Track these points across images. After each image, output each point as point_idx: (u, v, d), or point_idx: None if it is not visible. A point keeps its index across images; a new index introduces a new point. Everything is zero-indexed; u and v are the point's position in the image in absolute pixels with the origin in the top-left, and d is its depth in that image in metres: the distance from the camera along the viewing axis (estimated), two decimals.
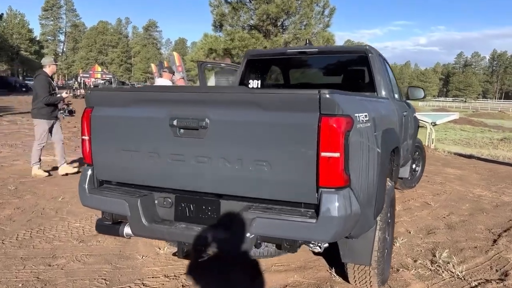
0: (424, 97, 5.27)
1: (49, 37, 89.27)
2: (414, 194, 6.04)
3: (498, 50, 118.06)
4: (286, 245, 2.34)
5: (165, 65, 19.19)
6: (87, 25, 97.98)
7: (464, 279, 3.32)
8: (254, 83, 4.48)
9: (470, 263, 3.65)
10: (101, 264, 3.45)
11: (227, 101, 2.37)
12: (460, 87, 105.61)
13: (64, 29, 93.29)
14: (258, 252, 2.61)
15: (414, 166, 6.32)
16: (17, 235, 4.03)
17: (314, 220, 2.20)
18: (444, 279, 3.32)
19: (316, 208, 2.23)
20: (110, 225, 2.82)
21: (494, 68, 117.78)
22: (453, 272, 3.41)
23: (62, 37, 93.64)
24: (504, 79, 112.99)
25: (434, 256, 3.75)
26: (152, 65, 41.33)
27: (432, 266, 3.55)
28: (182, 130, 2.44)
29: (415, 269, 3.47)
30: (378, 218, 2.77)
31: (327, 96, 2.14)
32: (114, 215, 2.77)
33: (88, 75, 40.15)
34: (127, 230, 2.72)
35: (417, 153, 6.32)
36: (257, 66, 4.53)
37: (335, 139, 2.15)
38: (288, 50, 4.30)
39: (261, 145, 2.29)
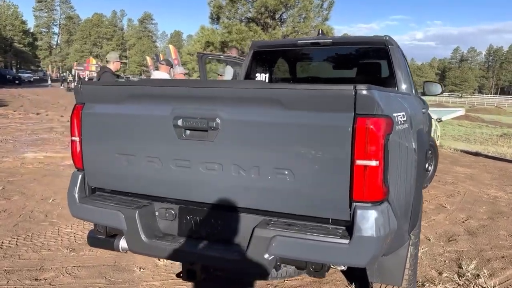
0: (442, 92, 4.93)
1: (43, 29, 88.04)
2: (427, 195, 5.71)
3: (494, 46, 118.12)
4: (311, 269, 1.98)
5: (161, 58, 18.70)
6: (81, 17, 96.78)
7: None
8: (261, 77, 4.11)
9: (501, 276, 3.32)
10: (94, 278, 3.09)
11: (242, 98, 2.00)
12: (456, 82, 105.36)
13: (58, 21, 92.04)
14: (276, 274, 2.24)
15: (426, 165, 6.00)
16: (2, 242, 3.66)
17: (347, 241, 1.85)
18: None
19: (349, 226, 1.88)
20: (104, 239, 2.46)
21: (490, 63, 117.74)
22: (485, 287, 3.08)
23: (56, 29, 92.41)
24: (500, 74, 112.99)
25: (460, 267, 3.43)
26: (148, 58, 40.66)
27: (460, 279, 3.22)
28: (188, 132, 2.08)
29: (442, 284, 3.14)
30: (412, 232, 2.44)
31: (365, 92, 1.77)
32: (108, 227, 2.40)
33: (82, 68, 39.38)
34: (123, 244, 2.35)
35: (430, 151, 5.99)
36: (264, 58, 4.15)
37: (374, 144, 1.80)
38: (299, 41, 3.92)
39: (282, 150, 1.93)
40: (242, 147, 1.99)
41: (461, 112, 11.40)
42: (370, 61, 3.98)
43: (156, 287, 3.00)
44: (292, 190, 1.95)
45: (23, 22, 66.31)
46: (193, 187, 2.15)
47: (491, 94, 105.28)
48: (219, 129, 2.00)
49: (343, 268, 2.32)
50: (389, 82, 3.60)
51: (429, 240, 4.06)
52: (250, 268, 2.01)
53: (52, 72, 60.18)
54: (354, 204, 1.86)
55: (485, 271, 3.33)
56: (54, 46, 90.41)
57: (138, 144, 2.23)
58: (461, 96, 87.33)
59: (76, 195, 2.41)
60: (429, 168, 6.07)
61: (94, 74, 40.99)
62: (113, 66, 6.17)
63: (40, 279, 3.04)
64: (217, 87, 2.08)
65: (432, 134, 10.81)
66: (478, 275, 3.27)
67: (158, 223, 2.33)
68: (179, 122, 2.06)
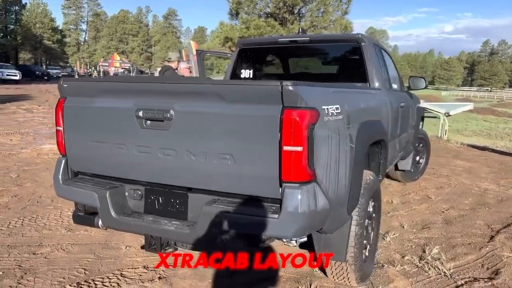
0: (426, 87, 5.11)
1: (71, 26, 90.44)
2: (416, 187, 5.88)
3: None
4: (250, 240, 2.29)
5: (183, 54, 19.16)
6: (108, 14, 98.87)
7: (451, 277, 3.21)
8: (246, 73, 4.40)
9: (460, 261, 3.52)
10: (84, 254, 3.47)
11: (191, 92, 2.31)
12: (486, 76, 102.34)
13: (86, 18, 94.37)
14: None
15: (418, 158, 6.16)
16: (9, 222, 4.09)
17: (276, 216, 2.14)
18: (430, 277, 3.21)
19: (280, 203, 2.17)
20: (85, 216, 2.83)
21: None
22: (440, 270, 3.29)
23: (84, 26, 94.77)
24: None
25: (424, 252, 3.64)
26: (170, 53, 41.44)
27: (419, 262, 3.44)
28: (148, 122, 2.41)
29: (401, 265, 3.37)
30: (356, 213, 2.69)
31: (290, 88, 2.06)
32: (86, 206, 2.77)
33: (107, 64, 40.58)
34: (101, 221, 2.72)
35: (421, 145, 6.14)
36: (249, 55, 4.44)
37: (298, 132, 2.08)
38: (280, 39, 4.19)
39: (224, 137, 2.23)
40: (192, 135, 2.31)
41: (469, 106, 11.36)
42: (344, 58, 4.20)
43: (138, 262, 3.35)
44: (234, 172, 2.25)
45: (52, 20, 68.41)
46: (154, 171, 2.48)
47: None
48: (173, 120, 2.32)
49: (294, 244, 2.63)
50: (361, 77, 3.82)
51: (403, 227, 4.27)
52: (199, 239, 2.33)
53: (80, 68, 61.87)
54: (283, 184, 2.15)
55: (443, 255, 3.53)
56: (82, 43, 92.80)
57: (108, 133, 2.57)
58: (490, 91, 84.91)
59: (60, 178, 2.79)
60: (420, 161, 6.24)
61: (120, 70, 42.24)
62: (175, 65, 6.76)
63: (37, 254, 3.44)
64: (171, 83, 2.40)
65: (440, 128, 10.86)
66: (438, 259, 3.47)
67: (128, 202, 2.68)
68: (140, 114, 2.39)
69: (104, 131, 2.59)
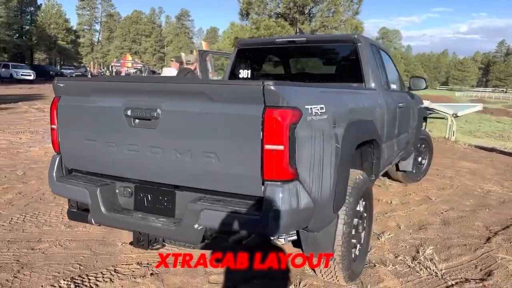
0: (426, 87, 5.09)
1: (85, 27, 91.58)
2: (418, 188, 5.85)
3: None
4: (234, 238, 2.33)
5: (195, 55, 19.33)
6: (121, 14, 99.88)
7: (442, 277, 3.20)
8: (244, 73, 4.44)
9: (454, 261, 3.51)
10: (81, 250, 3.55)
11: (178, 91, 2.36)
12: (501, 76, 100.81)
13: (99, 19, 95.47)
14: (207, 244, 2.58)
15: (420, 159, 6.13)
16: (11, 218, 4.20)
17: (258, 214, 2.18)
18: (421, 277, 3.21)
19: (262, 201, 2.20)
20: (79, 212, 2.90)
21: None
22: (432, 270, 3.29)
23: (97, 27, 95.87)
24: None
25: (418, 252, 3.63)
26: (182, 54, 41.80)
27: (412, 263, 3.44)
28: (136, 121, 2.46)
29: (393, 265, 3.38)
30: (343, 212, 2.71)
31: (271, 88, 2.09)
32: (79, 203, 2.84)
33: (119, 64, 41.08)
34: None
35: (423, 145, 6.11)
36: (247, 56, 4.48)
37: (279, 131, 2.11)
38: (277, 40, 4.22)
39: (209, 136, 2.28)
40: (178, 134, 2.36)
41: (478, 107, 11.26)
42: (340, 58, 4.22)
43: (132, 259, 3.42)
44: (218, 171, 2.29)
45: (66, 21, 69.39)
46: (143, 169, 2.54)
47: None
48: (160, 119, 2.37)
49: (283, 242, 2.66)
50: (357, 78, 3.83)
51: (400, 227, 4.26)
52: (184, 236, 2.38)
53: (94, 68, 62.65)
54: (265, 182, 2.18)
55: (435, 256, 3.52)
56: (96, 43, 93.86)
57: (100, 131, 2.63)
58: (505, 92, 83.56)
59: (54, 175, 2.87)
60: (423, 161, 6.20)
61: (132, 70, 42.70)
62: (193, 66, 7.00)
63: (35, 249, 3.53)
64: (158, 82, 2.45)
65: (447, 129, 10.77)
66: (431, 259, 3.47)
67: (119, 199, 2.74)
68: (129, 112, 2.45)
69: (96, 130, 2.65)
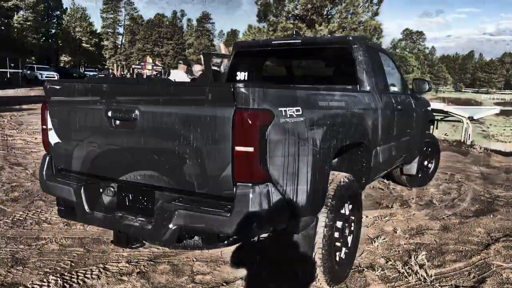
0: (429, 89, 5.02)
1: (109, 30, 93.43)
2: (422, 192, 5.75)
3: None
4: (205, 238, 2.36)
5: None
6: (144, 18, 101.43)
7: (431, 283, 3.15)
8: (241, 75, 4.47)
9: (447, 268, 3.44)
10: (75, 247, 3.63)
11: (154, 94, 2.41)
12: None
13: (123, 22, 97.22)
14: (183, 244, 2.60)
15: (426, 163, 6.01)
16: (14, 216, 4.33)
17: (228, 215, 2.20)
18: (409, 283, 3.16)
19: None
20: (67, 210, 2.97)
21: None
22: (421, 276, 3.23)
23: (121, 30, 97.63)
24: None
25: (410, 258, 3.58)
26: (202, 56, 42.21)
27: (402, 268, 3.38)
28: (117, 122, 2.52)
29: (382, 270, 3.33)
30: (323, 214, 2.70)
31: (242, 90, 2.11)
32: (66, 201, 2.92)
33: (140, 67, 41.75)
34: None
35: (429, 149, 6.00)
36: (244, 58, 4.51)
37: (249, 133, 2.13)
38: (273, 42, 4.23)
39: (184, 137, 2.31)
40: (154, 135, 2.40)
41: (496, 110, 10.97)
42: (335, 60, 4.19)
43: (123, 257, 3.48)
44: (193, 172, 2.32)
45: (91, 24, 71.05)
46: (123, 169, 2.59)
47: None
48: (138, 120, 2.42)
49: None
50: (351, 80, 3.81)
51: (395, 232, 4.20)
52: (159, 235, 2.42)
53: (117, 70, 63.94)
54: (237, 183, 2.20)
55: (430, 262, 3.46)
56: (119, 46, 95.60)
57: (84, 132, 2.71)
58: None
59: (44, 174, 2.95)
60: (429, 165, 6.09)
61: (154, 73, 43.34)
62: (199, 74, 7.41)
63: (32, 245, 3.64)
64: (136, 85, 2.51)
65: (462, 132, 10.54)
66: (422, 265, 3.41)
67: (104, 199, 2.80)
68: (110, 114, 2.51)
69: (81, 130, 2.72)
